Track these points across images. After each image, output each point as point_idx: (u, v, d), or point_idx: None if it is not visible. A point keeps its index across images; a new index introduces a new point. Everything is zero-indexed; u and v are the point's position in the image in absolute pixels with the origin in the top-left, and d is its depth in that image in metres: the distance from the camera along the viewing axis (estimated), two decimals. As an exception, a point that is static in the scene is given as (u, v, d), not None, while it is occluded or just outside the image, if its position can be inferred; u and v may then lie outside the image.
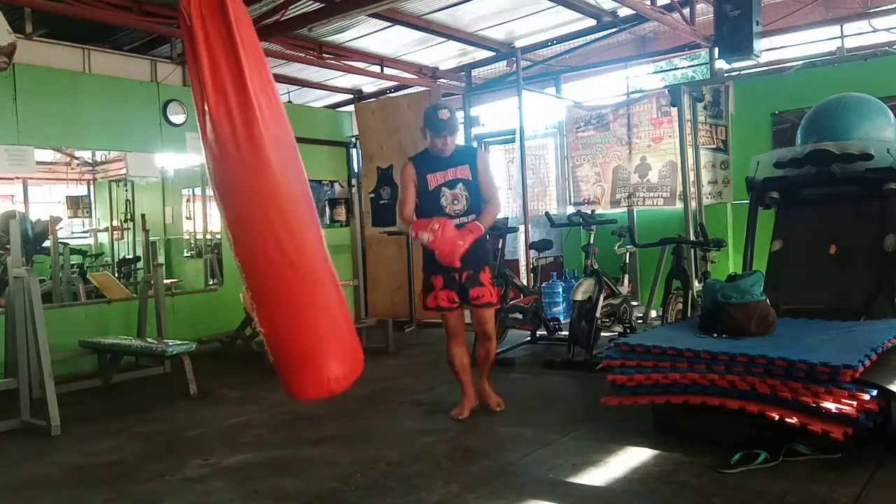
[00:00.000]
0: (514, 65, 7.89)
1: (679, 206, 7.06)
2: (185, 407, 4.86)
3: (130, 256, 9.09)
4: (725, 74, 7.48)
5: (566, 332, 5.95)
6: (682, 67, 11.99)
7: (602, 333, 5.70)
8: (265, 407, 4.70)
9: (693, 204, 6.62)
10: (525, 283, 7.06)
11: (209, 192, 7.20)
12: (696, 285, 5.87)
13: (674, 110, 6.81)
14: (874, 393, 3.02)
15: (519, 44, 8.42)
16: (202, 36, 2.10)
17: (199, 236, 8.63)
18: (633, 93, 8.28)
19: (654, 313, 6.95)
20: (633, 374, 3.56)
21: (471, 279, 4.07)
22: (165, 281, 6.85)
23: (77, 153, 9.05)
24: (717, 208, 7.33)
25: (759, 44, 6.28)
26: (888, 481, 2.94)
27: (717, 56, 7.10)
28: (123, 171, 8.13)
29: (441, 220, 3.87)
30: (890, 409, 3.17)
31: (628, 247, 6.40)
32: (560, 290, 7.78)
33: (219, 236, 7.85)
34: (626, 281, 6.35)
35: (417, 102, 7.98)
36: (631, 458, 3.36)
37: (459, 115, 7.11)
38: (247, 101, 2.12)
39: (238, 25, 2.13)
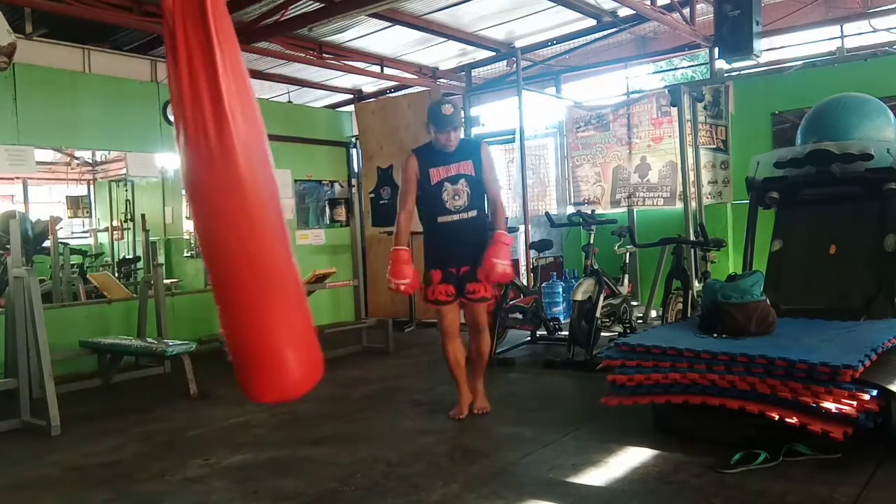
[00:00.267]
0: (514, 65, 7.88)
1: (679, 206, 7.06)
2: (185, 407, 4.86)
3: (130, 256, 9.08)
4: (725, 74, 7.48)
5: (566, 332, 5.95)
6: (682, 67, 11.99)
7: (602, 333, 5.70)
8: (265, 407, 4.69)
9: (693, 204, 6.62)
10: (525, 283, 7.06)
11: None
12: (696, 285, 5.87)
13: (674, 110, 6.81)
14: (874, 393, 3.02)
15: (519, 44, 8.42)
16: (182, 36, 2.12)
17: (200, 236, 8.60)
18: (633, 93, 8.28)
19: (654, 313, 6.95)
20: (633, 374, 3.56)
21: (468, 274, 4.09)
22: (165, 281, 6.84)
23: (77, 153, 9.04)
24: (717, 208, 7.33)
25: (759, 44, 6.28)
26: (888, 481, 2.94)
27: (717, 56, 7.09)
28: (123, 171, 8.12)
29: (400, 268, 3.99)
30: (890, 409, 3.17)
31: (628, 247, 6.40)
32: (560, 290, 7.78)
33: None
34: (626, 281, 6.35)
35: (417, 102, 7.98)
36: (631, 458, 3.36)
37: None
38: (219, 99, 2.14)
39: (216, 22, 2.14)
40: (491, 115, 9.26)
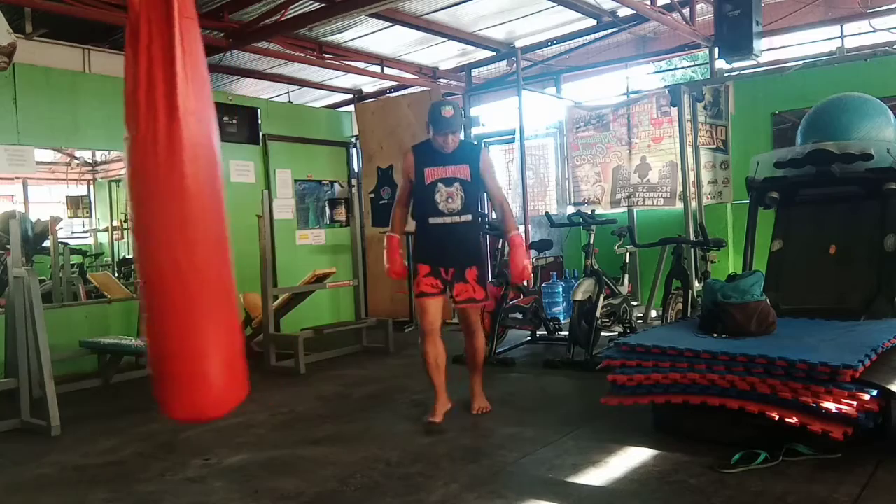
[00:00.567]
0: (514, 65, 7.89)
1: (679, 206, 7.06)
2: (185, 407, 4.85)
3: (130, 256, 9.07)
4: (725, 74, 7.47)
5: (566, 332, 5.95)
6: (682, 67, 11.98)
7: (602, 333, 5.71)
8: (265, 407, 4.70)
9: (693, 204, 6.61)
10: (525, 282, 7.05)
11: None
12: (696, 285, 5.87)
13: (674, 110, 6.81)
14: (874, 393, 3.02)
15: (519, 44, 8.41)
16: (145, 30, 2.11)
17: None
18: (633, 93, 8.28)
19: (654, 313, 6.95)
20: (633, 374, 3.56)
21: (456, 276, 4.08)
22: (165, 281, 6.83)
23: (77, 153, 9.03)
24: (717, 208, 7.33)
25: (759, 44, 6.27)
26: (888, 481, 2.94)
27: (717, 56, 7.08)
28: (123, 171, 8.13)
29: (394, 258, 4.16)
30: (890, 409, 3.17)
31: (628, 247, 6.40)
32: (560, 290, 7.78)
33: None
34: (626, 281, 6.35)
35: (417, 102, 7.98)
36: (631, 458, 3.36)
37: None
38: (174, 96, 2.12)
39: (181, 22, 2.12)
40: (491, 115, 9.27)
